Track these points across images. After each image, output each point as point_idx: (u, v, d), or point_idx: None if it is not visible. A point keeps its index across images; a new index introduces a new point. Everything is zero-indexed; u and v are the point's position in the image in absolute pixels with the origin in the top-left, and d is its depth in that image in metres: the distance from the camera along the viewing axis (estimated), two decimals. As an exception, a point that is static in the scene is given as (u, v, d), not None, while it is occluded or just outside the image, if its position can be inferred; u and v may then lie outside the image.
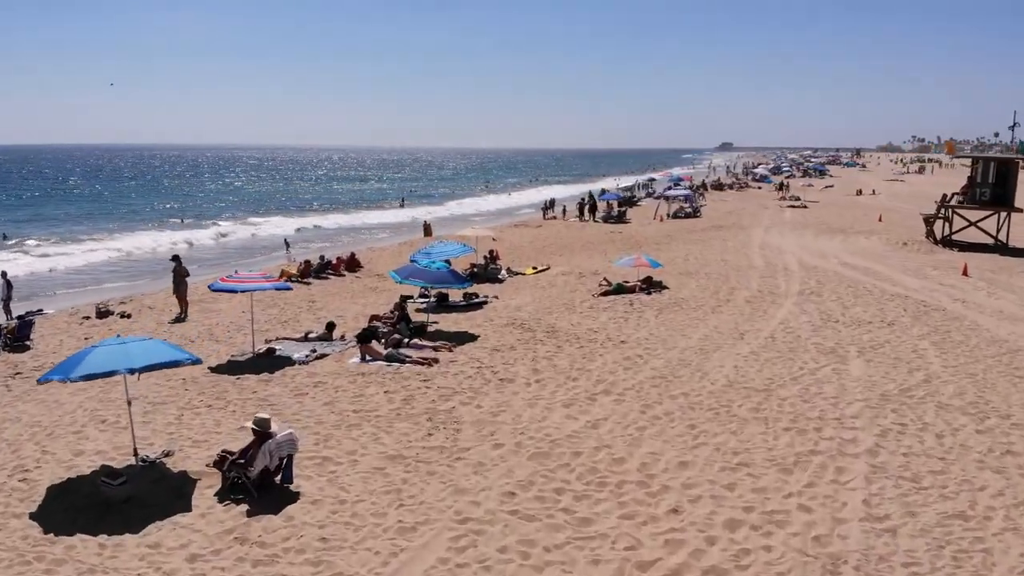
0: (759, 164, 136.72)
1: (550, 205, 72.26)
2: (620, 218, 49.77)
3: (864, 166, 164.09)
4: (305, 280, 27.05)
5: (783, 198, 62.65)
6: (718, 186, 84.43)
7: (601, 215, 51.11)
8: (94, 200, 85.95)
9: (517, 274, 28.84)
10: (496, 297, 23.92)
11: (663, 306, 21.51)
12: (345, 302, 23.87)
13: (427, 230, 48.07)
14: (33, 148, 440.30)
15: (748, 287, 24.37)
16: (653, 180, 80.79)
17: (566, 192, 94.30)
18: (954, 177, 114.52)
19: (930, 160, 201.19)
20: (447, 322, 20.25)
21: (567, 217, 52.02)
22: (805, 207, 54.73)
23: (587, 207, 51.04)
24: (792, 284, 24.76)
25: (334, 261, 28.99)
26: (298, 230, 54.00)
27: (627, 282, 23.89)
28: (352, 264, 29.67)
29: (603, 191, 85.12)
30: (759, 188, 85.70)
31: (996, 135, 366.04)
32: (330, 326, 17.95)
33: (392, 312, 19.34)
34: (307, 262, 28.06)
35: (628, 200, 58.07)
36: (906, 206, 58.04)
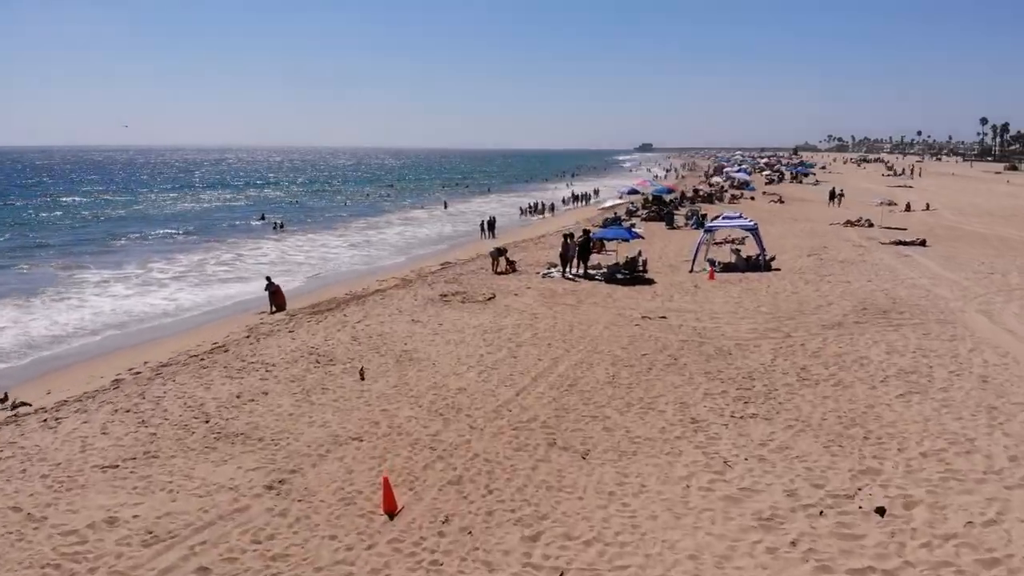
0: (722, 167, 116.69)
1: (490, 229, 49.53)
2: (634, 270, 26.94)
3: (825, 167, 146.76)
4: None
5: (854, 223, 41.06)
6: (707, 198, 63.15)
7: (601, 268, 28.15)
8: None
9: None
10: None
11: None
12: None
13: (276, 299, 24.93)
14: None
15: None
16: (635, 192, 58.32)
17: (507, 204, 71.26)
18: (961, 182, 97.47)
19: (877, 159, 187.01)
20: None
21: (516, 266, 28.95)
22: (924, 243, 32.93)
23: (573, 254, 27.70)
24: None
25: None
26: None
27: None
28: None
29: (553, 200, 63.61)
30: (751, 199, 64.95)
31: (919, 133, 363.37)
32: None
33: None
34: None
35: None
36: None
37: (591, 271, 27.65)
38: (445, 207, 74.30)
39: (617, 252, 30.00)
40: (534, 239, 41.90)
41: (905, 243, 32.61)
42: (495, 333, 19.10)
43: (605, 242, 31.79)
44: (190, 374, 16.11)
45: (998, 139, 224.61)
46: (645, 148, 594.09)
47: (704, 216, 44.38)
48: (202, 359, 18.23)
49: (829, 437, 12.12)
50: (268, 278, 27.44)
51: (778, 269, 27.61)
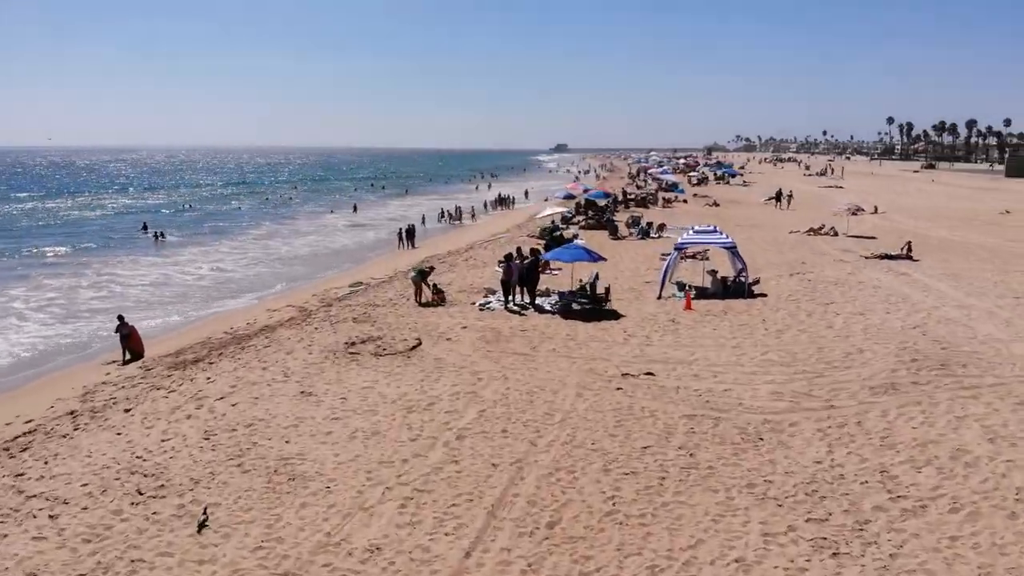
0: (645, 168, 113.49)
1: (409, 238, 43.49)
2: (595, 299, 21.60)
3: (744, 167, 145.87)
4: None
5: (817, 231, 36.99)
6: (641, 202, 58.67)
7: (551, 295, 22.66)
8: None
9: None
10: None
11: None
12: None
13: (131, 343, 18.69)
14: None
15: None
16: (570, 197, 53.14)
17: (427, 208, 63.78)
18: (888, 181, 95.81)
19: (790, 158, 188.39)
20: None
21: (446, 294, 23.26)
22: (911, 256, 28.77)
23: (517, 279, 22.03)
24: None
25: None
26: None
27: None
28: None
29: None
30: (684, 202, 60.88)
31: (824, 132, 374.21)
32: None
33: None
34: None
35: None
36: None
37: (540, 299, 22.14)
38: (355, 211, 67.60)
39: (571, 271, 24.57)
40: (461, 251, 36.22)
41: (891, 257, 28.39)
42: (424, 412, 13.28)
43: (549, 265, 26.34)
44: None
45: (903, 138, 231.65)
46: (561, 148, 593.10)
47: (650, 225, 39.60)
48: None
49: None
50: (120, 317, 20.96)
51: (763, 295, 22.73)
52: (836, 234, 36.12)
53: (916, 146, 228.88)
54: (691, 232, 24.12)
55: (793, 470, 10.89)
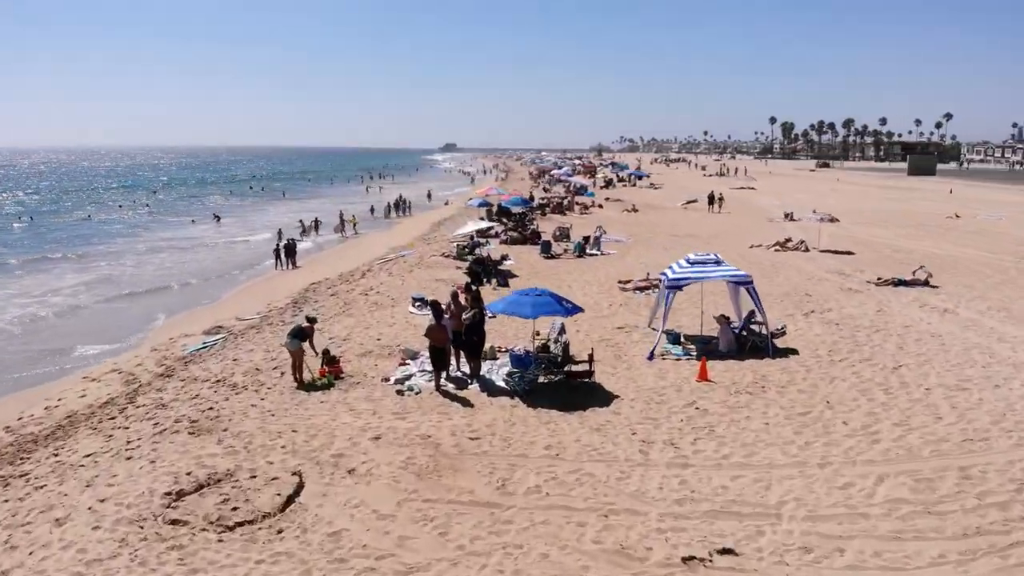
0: (548, 170, 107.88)
1: (289, 256, 35.27)
2: (572, 369, 14.49)
3: (640, 168, 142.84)
4: None
5: (783, 245, 31.39)
6: (557, 208, 52.34)
7: (497, 357, 15.42)
8: None
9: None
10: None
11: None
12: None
13: None
14: None
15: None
16: (486, 204, 45.80)
17: (313, 213, 53.22)
18: (793, 181, 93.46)
19: (680, 159, 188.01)
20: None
21: (341, 363, 15.89)
22: (928, 282, 23.30)
23: (450, 340, 14.66)
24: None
25: None
26: None
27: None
28: None
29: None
30: (600, 207, 55.37)
31: (705, 133, 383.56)
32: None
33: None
34: None
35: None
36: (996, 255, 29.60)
37: (486, 365, 14.94)
38: (218, 221, 57.99)
39: (531, 323, 17.44)
40: (356, 276, 28.54)
41: (906, 283, 22.82)
42: None
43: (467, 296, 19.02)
44: None
45: (784, 138, 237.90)
46: (449, 148, 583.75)
47: (587, 239, 32.80)
48: None
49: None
50: None
51: (794, 351, 16.35)
52: (808, 250, 30.64)
53: (795, 145, 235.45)
54: (685, 263, 17.43)
55: None
